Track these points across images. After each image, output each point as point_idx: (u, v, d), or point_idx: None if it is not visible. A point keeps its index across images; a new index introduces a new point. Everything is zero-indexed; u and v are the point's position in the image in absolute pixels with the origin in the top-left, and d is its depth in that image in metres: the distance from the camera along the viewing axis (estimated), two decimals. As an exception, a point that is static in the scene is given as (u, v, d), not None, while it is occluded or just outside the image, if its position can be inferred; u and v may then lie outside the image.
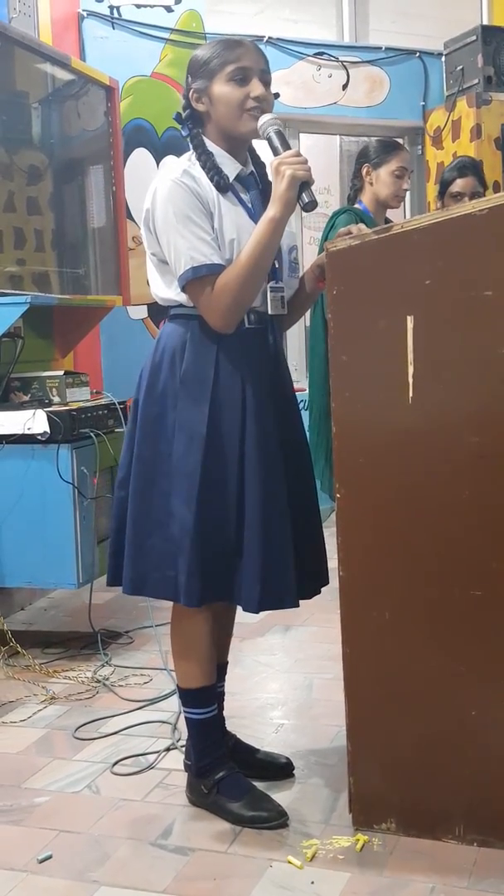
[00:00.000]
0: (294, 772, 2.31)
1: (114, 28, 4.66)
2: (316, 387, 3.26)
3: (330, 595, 2.13)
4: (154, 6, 4.76)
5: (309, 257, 5.02)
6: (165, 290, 2.06)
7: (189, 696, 2.16)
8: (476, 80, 5.24)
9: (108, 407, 3.45)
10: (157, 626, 3.14)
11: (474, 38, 5.26)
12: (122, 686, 2.97)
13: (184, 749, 2.31)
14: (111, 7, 4.65)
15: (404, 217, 5.41)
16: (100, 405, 3.42)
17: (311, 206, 1.92)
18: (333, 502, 2.02)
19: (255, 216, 2.03)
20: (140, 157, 4.72)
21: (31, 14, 4.09)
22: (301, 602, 2.07)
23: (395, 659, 1.98)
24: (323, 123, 5.58)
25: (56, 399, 3.41)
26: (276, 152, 1.96)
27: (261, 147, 2.07)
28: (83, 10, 4.59)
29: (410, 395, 1.89)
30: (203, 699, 2.15)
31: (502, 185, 5.16)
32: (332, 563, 2.07)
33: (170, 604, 2.10)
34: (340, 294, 1.93)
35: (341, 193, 5.54)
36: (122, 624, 3.57)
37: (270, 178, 1.98)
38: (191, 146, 2.05)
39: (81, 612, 3.51)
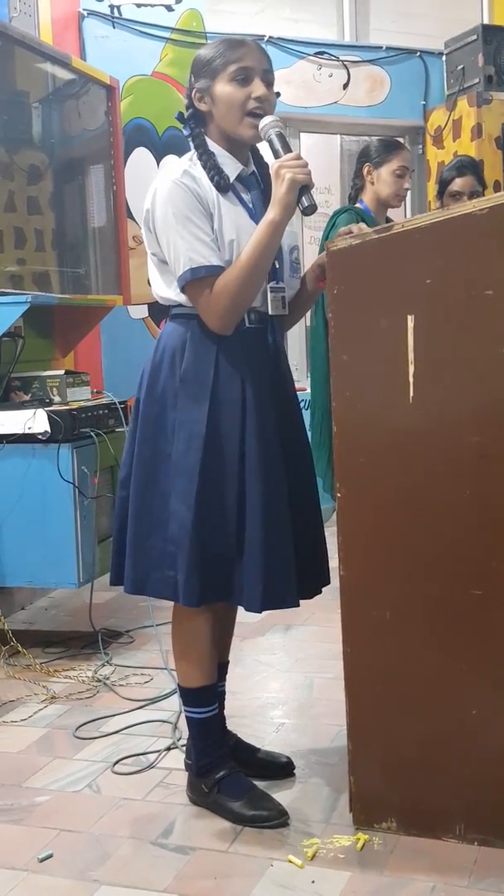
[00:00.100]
0: (295, 771, 2.31)
1: (114, 27, 4.66)
2: (318, 386, 3.27)
3: (330, 594, 2.14)
4: (154, 5, 4.76)
5: (310, 257, 5.02)
6: (166, 290, 2.06)
7: (190, 696, 2.16)
8: (477, 80, 5.25)
9: (108, 406, 3.45)
10: (157, 625, 3.14)
11: (475, 37, 5.27)
12: (122, 685, 2.97)
13: (184, 748, 2.32)
14: (112, 6, 4.66)
15: (405, 216, 5.40)
16: (100, 405, 3.43)
17: (310, 210, 1.92)
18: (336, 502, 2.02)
19: (255, 216, 2.03)
20: (140, 157, 4.72)
21: (32, 13, 4.09)
22: (301, 601, 2.07)
23: (395, 658, 1.98)
24: (323, 123, 5.58)
25: (56, 398, 3.41)
26: (276, 155, 1.96)
27: (263, 147, 2.07)
28: (83, 10, 4.59)
29: (411, 394, 1.89)
30: (204, 698, 2.15)
31: (503, 184, 5.16)
32: (334, 562, 2.07)
33: (170, 603, 2.10)
34: (341, 293, 1.93)
35: (342, 193, 5.54)
36: (123, 623, 3.58)
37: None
38: (192, 146, 2.05)
39: (82, 611, 3.52)
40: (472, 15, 5.80)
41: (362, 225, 2.04)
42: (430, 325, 1.87)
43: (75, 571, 3.17)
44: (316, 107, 5.47)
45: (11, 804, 2.24)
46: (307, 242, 5.48)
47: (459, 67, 5.35)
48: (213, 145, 2.04)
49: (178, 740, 2.50)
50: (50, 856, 2.00)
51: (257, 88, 1.98)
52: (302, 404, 2.25)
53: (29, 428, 3.14)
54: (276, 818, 2.07)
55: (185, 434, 2.01)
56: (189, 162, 2.03)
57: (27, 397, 3.40)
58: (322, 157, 5.62)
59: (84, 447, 3.21)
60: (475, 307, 1.84)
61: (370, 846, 1.98)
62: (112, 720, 2.70)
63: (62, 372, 3.51)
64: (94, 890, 1.88)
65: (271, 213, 1.94)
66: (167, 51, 4.79)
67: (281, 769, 2.30)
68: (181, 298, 2.03)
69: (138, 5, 4.71)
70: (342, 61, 5.47)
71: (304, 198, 1.92)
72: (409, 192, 3.40)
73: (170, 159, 4.60)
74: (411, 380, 1.89)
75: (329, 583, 2.17)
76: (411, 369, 1.89)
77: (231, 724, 2.34)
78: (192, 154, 2.05)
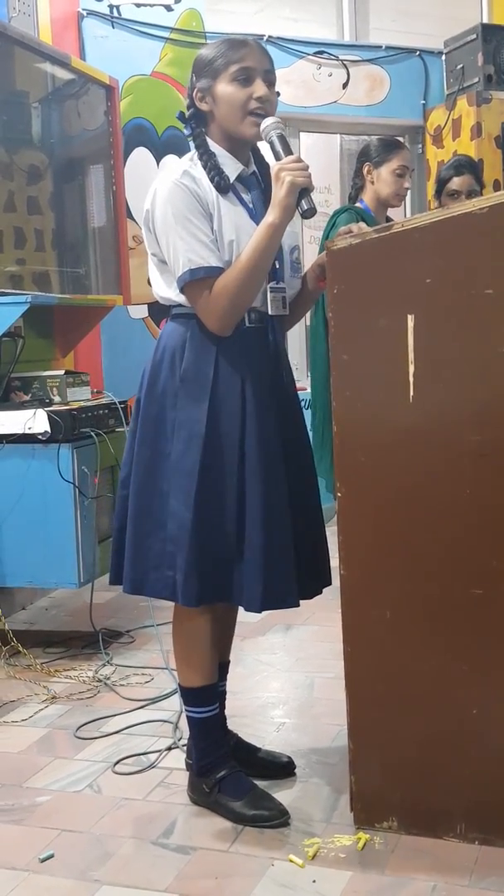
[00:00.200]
0: (295, 771, 2.31)
1: (114, 27, 4.66)
2: (318, 386, 3.26)
3: (331, 594, 2.14)
4: (154, 5, 4.76)
5: (310, 256, 5.01)
6: (166, 290, 2.06)
7: (190, 695, 2.16)
8: (476, 79, 5.24)
9: (108, 406, 3.45)
10: (158, 625, 3.14)
11: (474, 36, 5.26)
12: (123, 685, 2.97)
13: (185, 748, 2.32)
14: (111, 6, 4.65)
15: (405, 216, 5.40)
16: (100, 405, 3.43)
17: (309, 213, 1.92)
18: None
19: (256, 217, 2.03)
20: (140, 157, 4.72)
21: (31, 13, 4.09)
22: (302, 601, 2.07)
23: (396, 657, 1.98)
24: (323, 122, 5.58)
25: (57, 398, 3.41)
26: (277, 157, 1.96)
27: (264, 146, 2.07)
28: (83, 10, 4.59)
29: (411, 393, 1.89)
30: (204, 698, 2.15)
31: (502, 183, 5.16)
32: (334, 562, 2.07)
33: (171, 603, 2.10)
34: (341, 293, 1.93)
35: (342, 192, 5.54)
36: (123, 623, 3.58)
37: None
38: (193, 145, 2.05)
39: (82, 611, 3.52)
40: (472, 14, 5.80)
41: (362, 224, 2.04)
42: (430, 324, 1.87)
43: (76, 571, 3.17)
44: (315, 106, 5.47)
45: (12, 804, 2.24)
46: (307, 242, 5.48)
47: (459, 67, 5.35)
48: (213, 145, 2.04)
49: (179, 740, 2.50)
50: (51, 856, 2.00)
51: (259, 89, 1.98)
52: (302, 404, 2.25)
53: (29, 428, 3.15)
54: (276, 818, 2.07)
55: (185, 434, 2.01)
56: (189, 162, 2.03)
57: (27, 397, 3.40)
58: (322, 157, 5.62)
59: (84, 447, 3.21)
60: (475, 307, 1.84)
61: (371, 846, 1.98)
62: (113, 720, 2.70)
63: (62, 372, 3.51)
64: (95, 890, 1.88)
65: (270, 216, 1.94)
66: (167, 50, 4.79)
67: (282, 769, 2.30)
68: (181, 298, 2.03)
69: (138, 5, 4.71)
70: (342, 61, 5.47)
71: (303, 201, 1.92)
72: (408, 192, 3.40)
73: (170, 159, 4.60)
74: (411, 379, 1.89)
75: (330, 583, 2.17)
76: (411, 369, 1.89)
77: (232, 724, 2.34)
78: (193, 154, 2.05)
